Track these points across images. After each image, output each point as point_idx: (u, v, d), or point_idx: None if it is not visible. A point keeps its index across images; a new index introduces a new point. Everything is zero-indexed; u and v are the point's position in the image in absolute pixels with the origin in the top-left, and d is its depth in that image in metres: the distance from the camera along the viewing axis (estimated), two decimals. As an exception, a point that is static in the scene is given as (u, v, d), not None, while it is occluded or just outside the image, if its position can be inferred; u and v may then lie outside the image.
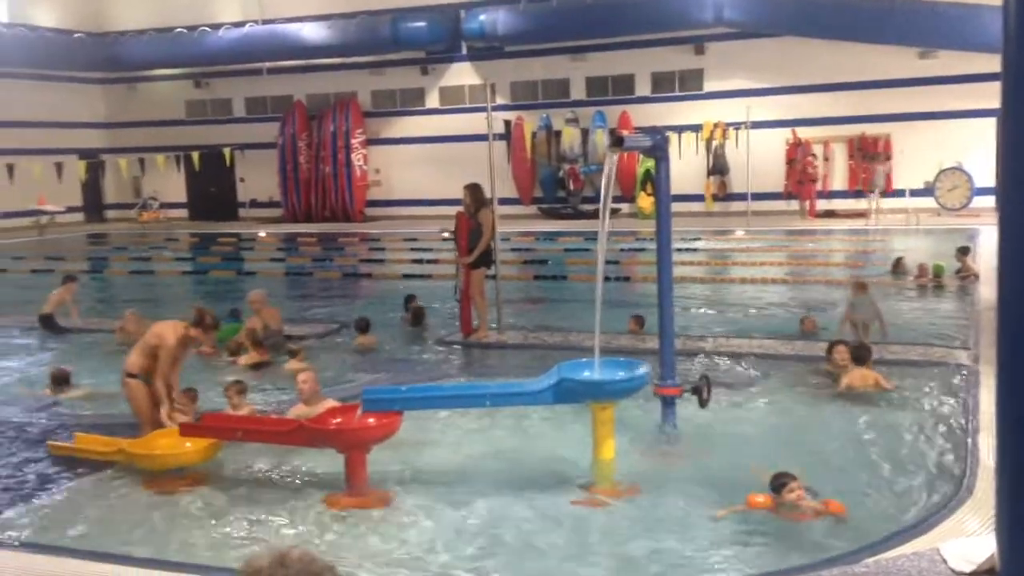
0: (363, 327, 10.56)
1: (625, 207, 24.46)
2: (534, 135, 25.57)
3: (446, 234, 19.12)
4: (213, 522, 5.62)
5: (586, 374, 6.17)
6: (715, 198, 24.57)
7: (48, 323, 11.74)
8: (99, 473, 6.37)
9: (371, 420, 5.91)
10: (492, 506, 5.67)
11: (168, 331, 6.82)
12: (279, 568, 1.55)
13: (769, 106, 23.32)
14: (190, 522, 5.64)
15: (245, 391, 7.36)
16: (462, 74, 26.77)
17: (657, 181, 6.73)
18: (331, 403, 6.78)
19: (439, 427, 7.00)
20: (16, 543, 5.20)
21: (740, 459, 6.24)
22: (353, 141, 26.96)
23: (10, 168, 22.64)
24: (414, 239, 21.23)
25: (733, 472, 5.96)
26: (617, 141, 6.44)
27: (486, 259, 10.45)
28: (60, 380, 8.73)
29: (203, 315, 6.92)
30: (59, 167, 24.20)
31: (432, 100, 27.28)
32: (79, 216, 28.95)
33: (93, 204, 29.89)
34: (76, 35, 27.80)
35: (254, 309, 10.63)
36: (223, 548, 5.24)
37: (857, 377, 7.65)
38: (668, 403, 6.80)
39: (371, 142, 27.46)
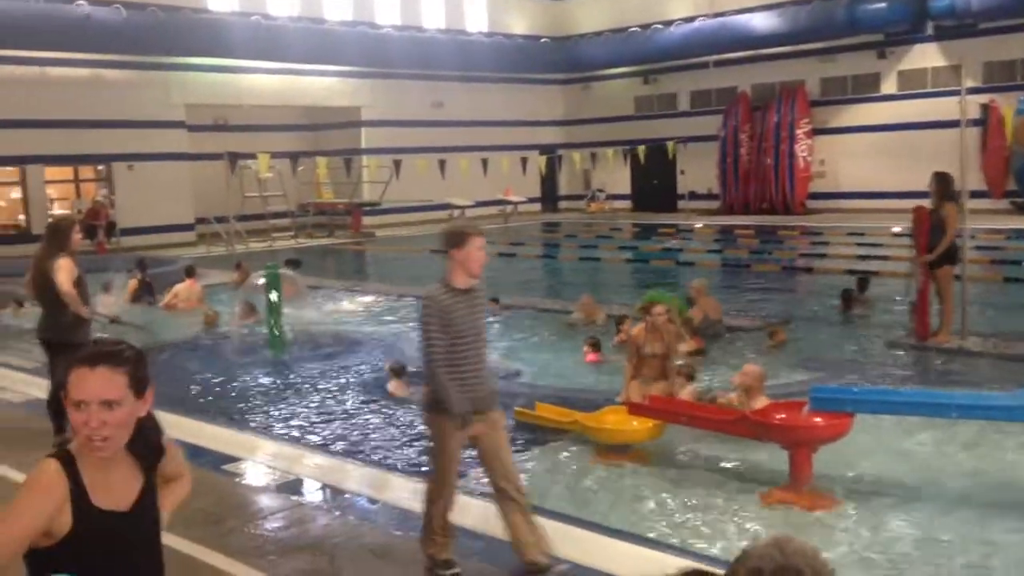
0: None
1: None
2: (1014, 120, 22.58)
3: (897, 229, 17.74)
4: (652, 498, 5.81)
5: (1082, 393, 5.30)
6: None
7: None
8: (557, 440, 6.92)
9: (818, 419, 5.67)
10: (946, 526, 5.16)
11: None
12: (775, 550, 1.52)
13: None
14: (630, 495, 5.89)
15: (692, 376, 7.51)
16: (925, 56, 24.55)
17: None
18: (766, 400, 6.65)
19: (893, 434, 6.50)
20: (487, 495, 5.84)
21: None
22: (798, 131, 26.13)
23: (484, 163, 25.61)
24: (860, 234, 19.99)
25: None
26: None
27: (951, 256, 9.48)
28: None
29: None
30: (524, 162, 26.81)
31: (889, 85, 25.41)
32: (536, 206, 31.79)
33: (549, 195, 32.65)
34: (542, 40, 30.49)
35: (695, 298, 10.79)
36: (659, 523, 5.41)
37: None
38: None
39: (817, 132, 26.38)
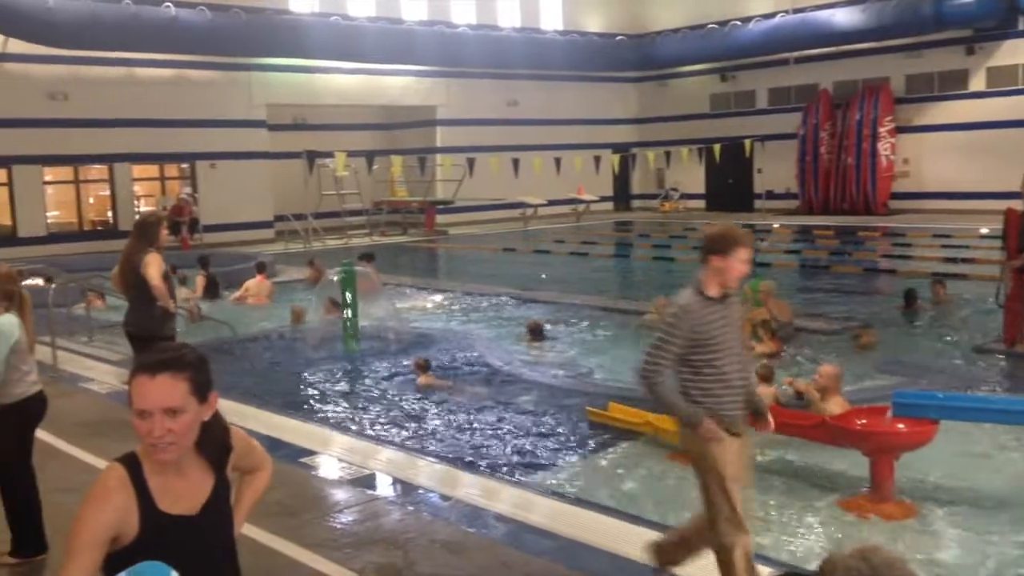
0: None
1: None
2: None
3: (985, 231, 17.12)
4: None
5: None
6: None
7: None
8: (630, 441, 6.87)
9: (901, 425, 5.50)
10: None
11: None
12: (860, 561, 1.48)
13: None
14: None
15: (770, 378, 7.38)
16: (1016, 52, 23.66)
17: None
18: (843, 402, 6.48)
19: (980, 442, 6.28)
20: (558, 494, 5.84)
21: None
22: (881, 129, 25.42)
23: (557, 161, 25.59)
24: (946, 235, 19.34)
25: None
26: None
27: (1042, 261, 9.11)
28: (535, 330, 10.65)
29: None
30: (597, 160, 26.69)
31: (977, 83, 24.54)
32: (609, 205, 31.62)
33: (622, 194, 32.43)
34: (618, 38, 30.29)
35: (763, 300, 10.59)
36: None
37: None
38: None
39: (900, 130, 25.64)
